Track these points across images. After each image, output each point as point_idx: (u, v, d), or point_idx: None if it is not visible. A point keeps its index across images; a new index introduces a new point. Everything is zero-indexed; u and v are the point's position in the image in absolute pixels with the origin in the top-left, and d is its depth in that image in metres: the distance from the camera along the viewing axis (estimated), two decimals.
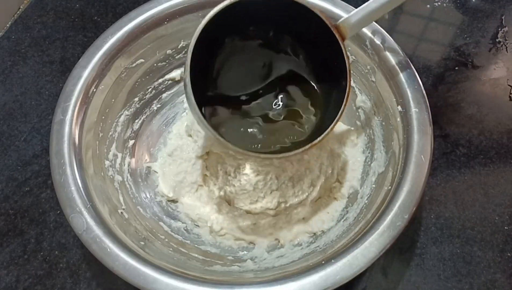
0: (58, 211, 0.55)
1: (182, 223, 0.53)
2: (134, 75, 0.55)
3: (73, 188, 0.41)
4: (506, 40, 0.68)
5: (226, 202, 0.53)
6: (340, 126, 0.57)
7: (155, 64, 0.57)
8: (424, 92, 0.46)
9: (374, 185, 0.49)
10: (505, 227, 0.53)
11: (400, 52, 0.48)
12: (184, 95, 0.61)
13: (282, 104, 0.47)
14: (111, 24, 0.51)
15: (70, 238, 0.53)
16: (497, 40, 0.69)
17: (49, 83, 0.65)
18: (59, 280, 0.51)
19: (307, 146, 0.41)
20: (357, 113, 0.57)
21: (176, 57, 0.59)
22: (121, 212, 0.47)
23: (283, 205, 0.52)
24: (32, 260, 0.52)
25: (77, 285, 0.50)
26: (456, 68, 0.66)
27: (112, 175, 0.50)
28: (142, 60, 0.54)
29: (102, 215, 0.41)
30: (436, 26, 0.71)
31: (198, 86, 0.39)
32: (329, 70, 0.44)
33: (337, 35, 0.40)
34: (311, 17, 0.40)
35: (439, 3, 0.73)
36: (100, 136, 0.50)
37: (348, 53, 0.41)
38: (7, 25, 0.72)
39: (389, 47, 0.48)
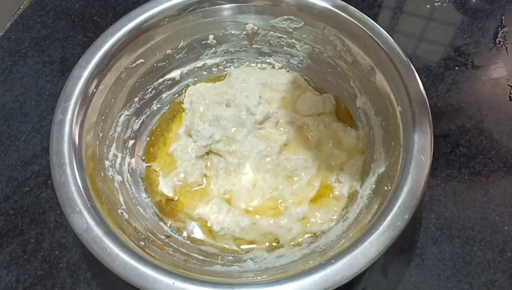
0: (58, 211, 0.55)
1: (182, 223, 0.53)
2: (134, 75, 0.55)
3: (73, 188, 0.41)
4: (506, 40, 0.68)
5: (226, 202, 0.53)
6: (340, 126, 0.57)
7: (155, 64, 0.57)
8: (424, 92, 0.46)
9: (374, 185, 0.49)
10: (505, 227, 0.53)
11: (400, 52, 0.48)
12: (184, 95, 0.61)
13: None
14: (111, 24, 0.51)
15: (70, 238, 0.53)
16: (497, 40, 0.68)
17: (49, 83, 0.65)
18: (59, 280, 0.51)
19: None
20: (357, 113, 0.57)
21: (176, 57, 0.59)
22: (121, 212, 0.47)
23: (282, 204, 0.52)
24: (32, 260, 0.52)
25: (77, 285, 0.50)
26: (456, 68, 0.66)
27: (112, 175, 0.50)
28: (142, 60, 0.54)
29: (102, 215, 0.41)
30: (436, 26, 0.71)
31: None
32: None
33: None
34: None
35: (439, 3, 0.73)
36: (100, 136, 0.50)
37: None
38: (7, 25, 0.72)
39: (389, 47, 0.48)
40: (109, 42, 0.50)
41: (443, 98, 0.63)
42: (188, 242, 0.51)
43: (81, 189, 0.42)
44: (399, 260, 0.51)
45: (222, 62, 0.63)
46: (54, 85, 0.65)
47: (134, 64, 0.53)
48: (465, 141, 0.59)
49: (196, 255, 0.48)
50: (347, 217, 0.49)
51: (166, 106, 0.61)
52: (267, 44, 0.61)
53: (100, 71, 0.49)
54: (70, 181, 0.42)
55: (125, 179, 0.53)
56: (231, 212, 0.52)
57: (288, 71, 0.63)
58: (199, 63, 0.62)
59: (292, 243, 0.50)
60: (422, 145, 0.43)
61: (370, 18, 0.51)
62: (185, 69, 0.61)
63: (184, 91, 0.62)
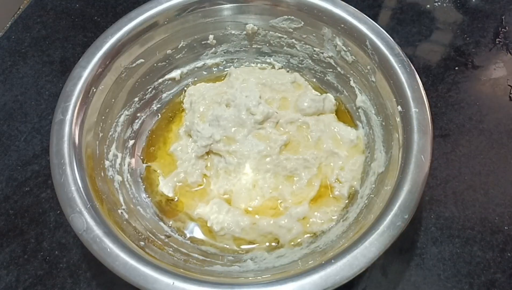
0: (58, 211, 0.55)
1: (182, 223, 0.53)
2: (134, 75, 0.55)
3: (73, 188, 0.41)
4: (506, 40, 0.68)
5: (226, 202, 0.53)
6: (340, 126, 0.57)
7: (155, 64, 0.57)
8: (424, 92, 0.46)
9: (374, 185, 0.49)
10: (505, 227, 0.53)
11: (400, 52, 0.48)
12: (184, 95, 0.61)
13: None
14: (111, 24, 0.51)
15: (70, 238, 0.53)
16: (497, 40, 0.69)
17: (49, 83, 0.65)
18: (59, 280, 0.51)
19: None
20: (357, 113, 0.57)
21: (176, 57, 0.59)
22: (121, 212, 0.47)
23: (282, 204, 0.52)
24: (32, 260, 0.52)
25: (77, 285, 0.50)
26: (456, 68, 0.66)
27: (112, 175, 0.50)
28: (142, 60, 0.54)
29: (102, 215, 0.41)
30: (436, 26, 0.71)
31: None
32: None
33: None
34: None
35: (439, 3, 0.73)
36: (100, 136, 0.50)
37: None
38: (7, 25, 0.72)
39: (389, 47, 0.48)
40: (109, 42, 0.50)
41: (443, 98, 0.63)
42: (188, 242, 0.51)
43: (81, 189, 0.42)
44: (399, 260, 0.51)
45: (222, 62, 0.63)
46: (54, 85, 0.65)
47: (134, 64, 0.53)
48: (465, 141, 0.59)
49: (196, 255, 0.48)
50: (347, 217, 0.49)
51: (166, 106, 0.61)
52: (267, 44, 0.61)
53: (100, 71, 0.49)
54: (70, 181, 0.42)
55: (125, 179, 0.53)
56: (231, 212, 0.52)
57: (288, 71, 0.63)
58: (199, 63, 0.62)
59: (292, 243, 0.50)
60: (422, 145, 0.43)
61: (370, 18, 0.51)
62: (185, 69, 0.61)
63: (184, 91, 0.62)
